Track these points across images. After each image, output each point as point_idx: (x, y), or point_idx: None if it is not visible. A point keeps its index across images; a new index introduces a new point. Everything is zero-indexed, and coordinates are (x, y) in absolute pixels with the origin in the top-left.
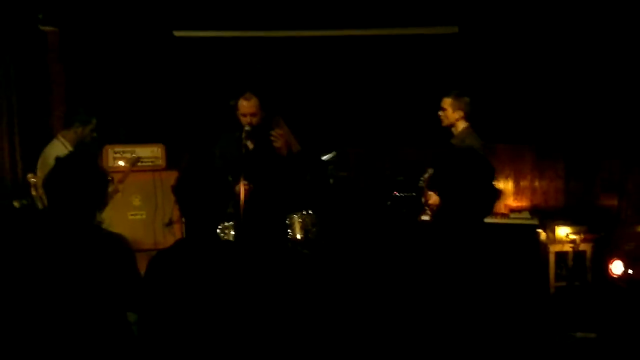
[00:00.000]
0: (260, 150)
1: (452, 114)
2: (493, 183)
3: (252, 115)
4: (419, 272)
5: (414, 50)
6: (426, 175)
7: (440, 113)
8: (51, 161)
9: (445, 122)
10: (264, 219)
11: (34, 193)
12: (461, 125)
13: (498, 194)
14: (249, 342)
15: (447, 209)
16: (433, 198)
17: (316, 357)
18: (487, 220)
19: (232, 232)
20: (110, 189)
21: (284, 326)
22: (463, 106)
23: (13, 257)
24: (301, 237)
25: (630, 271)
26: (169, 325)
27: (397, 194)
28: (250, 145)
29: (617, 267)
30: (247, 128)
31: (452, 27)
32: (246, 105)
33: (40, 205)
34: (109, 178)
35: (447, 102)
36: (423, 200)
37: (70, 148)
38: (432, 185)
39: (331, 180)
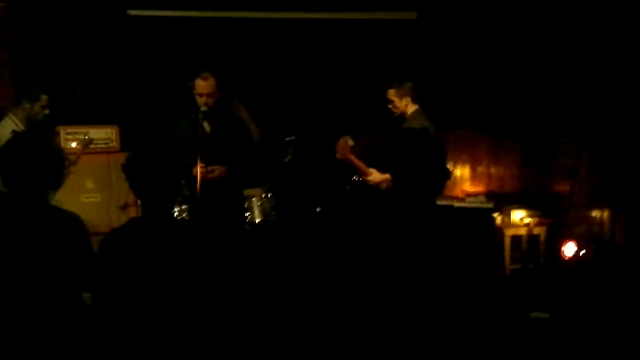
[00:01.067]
0: (216, 132)
1: (399, 102)
2: (444, 162)
3: (209, 95)
4: (374, 252)
5: (373, 35)
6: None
7: (390, 106)
8: (3, 138)
9: (397, 112)
10: (219, 200)
11: None
12: (410, 109)
13: (449, 173)
14: (200, 320)
15: (399, 188)
16: (373, 175)
17: (268, 336)
18: (443, 202)
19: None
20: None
21: (236, 305)
22: (408, 91)
23: None
24: (260, 220)
25: (581, 253)
26: (122, 304)
27: (356, 178)
28: (207, 127)
29: (569, 249)
30: (203, 109)
31: (411, 12)
32: (203, 85)
33: None
34: (67, 158)
35: (391, 94)
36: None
37: (21, 126)
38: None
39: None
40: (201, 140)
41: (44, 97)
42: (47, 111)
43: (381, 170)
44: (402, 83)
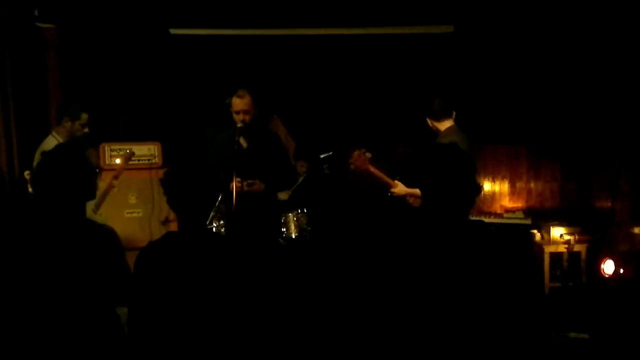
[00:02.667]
0: (252, 148)
1: (432, 124)
2: (474, 178)
3: (245, 112)
4: (410, 270)
5: (410, 49)
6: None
7: (430, 126)
8: None
9: (434, 130)
10: (255, 216)
11: (30, 189)
12: (444, 126)
13: (478, 188)
14: (237, 335)
15: (428, 204)
16: (399, 188)
17: (304, 352)
18: (478, 218)
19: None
20: (101, 183)
21: (273, 321)
22: (437, 112)
23: (3, 248)
24: (296, 236)
25: (621, 270)
26: (158, 318)
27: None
28: (243, 142)
29: (608, 267)
30: (239, 125)
31: (448, 26)
32: (239, 103)
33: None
34: (97, 169)
35: (428, 122)
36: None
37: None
38: (413, 181)
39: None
40: (237, 156)
41: (84, 116)
42: (86, 129)
43: (409, 184)
44: (431, 107)
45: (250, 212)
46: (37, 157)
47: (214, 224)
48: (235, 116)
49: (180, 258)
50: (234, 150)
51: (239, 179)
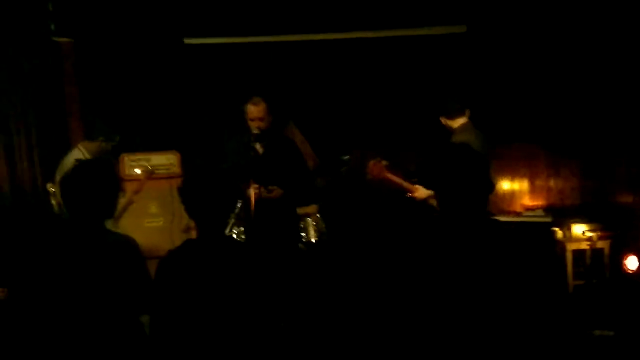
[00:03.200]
0: (269, 155)
1: (445, 122)
2: (486, 176)
3: (260, 119)
4: (430, 269)
5: (424, 50)
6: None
7: (444, 124)
8: (69, 166)
9: (449, 129)
10: (274, 221)
11: (53, 202)
12: (457, 123)
13: (491, 187)
14: (258, 342)
15: (443, 204)
16: (419, 191)
17: (326, 356)
18: (500, 218)
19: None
20: (123, 199)
21: (293, 326)
22: (448, 109)
23: (27, 261)
24: (315, 240)
25: None
26: (179, 326)
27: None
28: (259, 149)
29: (631, 263)
30: (255, 132)
31: (460, 26)
32: (254, 110)
33: (58, 212)
34: (121, 190)
35: (443, 120)
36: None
37: (88, 157)
38: (426, 182)
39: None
40: (254, 163)
41: (118, 138)
42: (110, 147)
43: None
44: (443, 105)
45: (269, 218)
46: (60, 168)
47: (234, 231)
48: (250, 123)
49: (199, 265)
50: (249, 157)
51: (256, 186)
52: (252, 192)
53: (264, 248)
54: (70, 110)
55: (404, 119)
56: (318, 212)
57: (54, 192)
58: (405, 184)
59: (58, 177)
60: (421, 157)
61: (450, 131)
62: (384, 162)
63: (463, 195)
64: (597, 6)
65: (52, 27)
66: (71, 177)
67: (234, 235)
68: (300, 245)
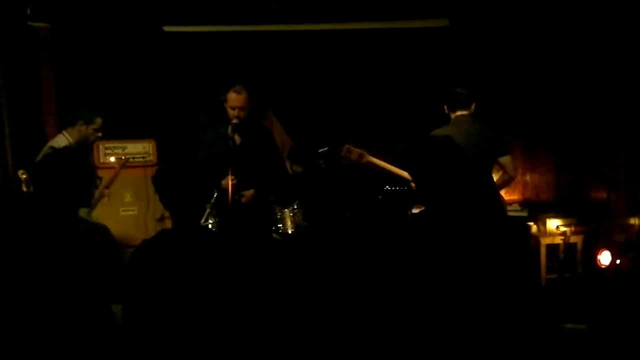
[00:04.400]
0: (246, 144)
1: (451, 113)
2: (462, 170)
3: (241, 108)
4: (408, 264)
5: (405, 43)
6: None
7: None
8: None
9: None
10: (248, 212)
11: (24, 189)
12: (457, 114)
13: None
14: (231, 332)
15: (421, 196)
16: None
17: (300, 349)
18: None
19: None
20: (97, 190)
21: (268, 317)
22: (446, 100)
23: None
24: (292, 231)
25: (617, 261)
26: (152, 316)
27: (388, 188)
28: (237, 139)
29: (605, 258)
30: (234, 121)
31: (442, 20)
32: (235, 98)
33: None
34: (97, 177)
35: (446, 109)
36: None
37: (73, 144)
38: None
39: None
40: (231, 153)
41: (98, 120)
42: (99, 134)
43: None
44: (448, 93)
45: (244, 209)
46: (43, 152)
47: (210, 221)
48: (230, 112)
49: (173, 255)
50: (228, 147)
51: (232, 176)
52: (229, 182)
53: (239, 238)
54: (46, 96)
55: (384, 111)
56: (297, 204)
57: (25, 179)
58: (395, 169)
59: None
60: (402, 149)
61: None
62: (356, 150)
63: (437, 188)
64: (577, 1)
65: (28, 11)
66: (43, 164)
67: (209, 226)
68: (276, 236)
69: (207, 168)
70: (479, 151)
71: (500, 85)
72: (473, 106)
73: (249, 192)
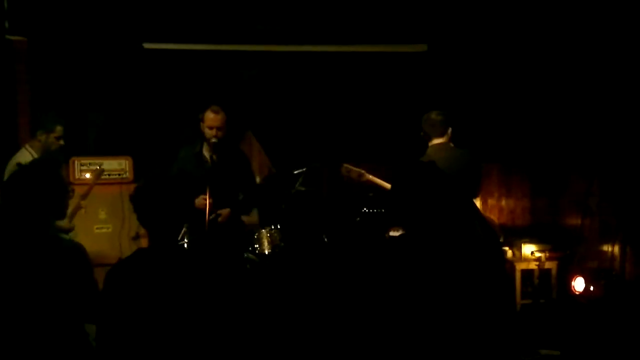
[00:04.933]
0: (222, 164)
1: (428, 141)
2: (441, 195)
3: (219, 128)
4: (385, 286)
5: (384, 67)
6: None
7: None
8: (12, 168)
9: None
10: (224, 232)
11: None
12: (434, 142)
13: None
14: (207, 352)
15: (402, 222)
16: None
17: None
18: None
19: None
20: (71, 203)
21: (243, 337)
22: (424, 126)
23: None
24: (269, 252)
25: (591, 288)
26: (127, 336)
27: (366, 210)
28: (213, 159)
29: (579, 284)
30: (213, 140)
31: (421, 45)
32: (213, 118)
33: None
34: (70, 189)
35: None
36: None
37: (37, 157)
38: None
39: (293, 191)
40: (208, 172)
41: (59, 129)
42: (61, 142)
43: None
44: (424, 120)
45: (219, 229)
46: (8, 170)
47: (186, 240)
48: (208, 131)
49: (150, 275)
50: (202, 166)
51: (205, 196)
52: (207, 202)
53: (215, 258)
54: (21, 110)
55: (362, 133)
56: (274, 225)
57: None
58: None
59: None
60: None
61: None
62: (354, 169)
63: (421, 213)
64: (550, 27)
65: (6, 24)
66: (11, 181)
67: (185, 245)
68: (251, 256)
69: (185, 186)
70: (459, 177)
71: (477, 110)
72: (449, 131)
73: (225, 211)
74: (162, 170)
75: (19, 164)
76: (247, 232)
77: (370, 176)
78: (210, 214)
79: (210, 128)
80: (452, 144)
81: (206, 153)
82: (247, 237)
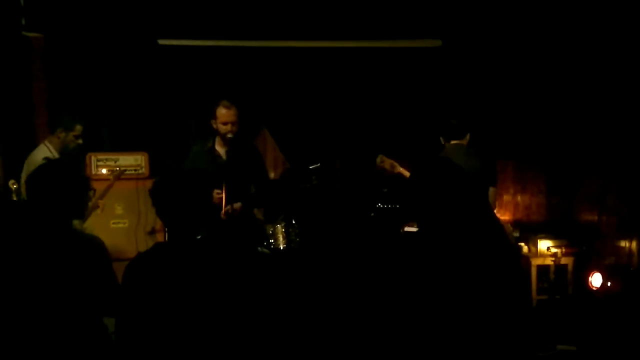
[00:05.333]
0: (237, 160)
1: (446, 143)
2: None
3: (232, 123)
4: (400, 283)
5: (399, 62)
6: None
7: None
8: (37, 164)
9: None
10: (237, 227)
11: (14, 199)
12: (452, 143)
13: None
14: (226, 346)
15: (418, 218)
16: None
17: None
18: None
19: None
20: (90, 202)
21: (262, 331)
22: (441, 130)
23: None
24: (284, 247)
25: (608, 283)
26: (146, 330)
27: (380, 205)
28: (225, 155)
29: (596, 280)
30: (229, 136)
31: (435, 40)
32: (226, 114)
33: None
34: (91, 189)
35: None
36: None
37: (55, 153)
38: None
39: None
40: (222, 168)
41: (78, 127)
42: (80, 141)
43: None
44: (443, 124)
45: (233, 223)
46: (28, 165)
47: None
48: (222, 127)
49: (169, 269)
50: (219, 162)
51: (219, 191)
52: (223, 196)
53: (233, 252)
54: (38, 106)
55: (377, 128)
56: (287, 220)
57: (16, 188)
58: None
59: (24, 175)
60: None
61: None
62: (388, 161)
63: (438, 209)
64: (565, 22)
65: (23, 21)
66: (37, 176)
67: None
68: (264, 250)
69: (202, 181)
70: (474, 177)
71: (492, 106)
72: (468, 136)
73: (237, 205)
74: (178, 165)
75: (46, 158)
76: (260, 226)
77: (402, 169)
78: (224, 208)
79: (225, 124)
80: (469, 148)
81: (219, 148)
82: (260, 232)
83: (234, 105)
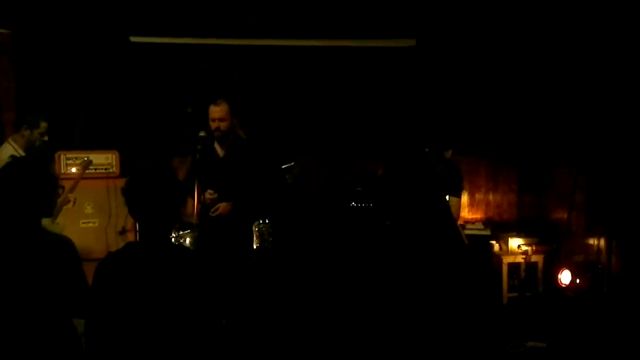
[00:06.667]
0: (233, 160)
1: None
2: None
3: (221, 120)
4: (372, 278)
5: (373, 61)
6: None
7: None
8: (1, 163)
9: None
10: (226, 227)
11: None
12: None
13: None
14: (196, 347)
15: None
16: None
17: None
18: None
19: (188, 240)
20: (60, 198)
21: (232, 331)
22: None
23: None
24: (257, 246)
25: (577, 281)
26: (116, 330)
27: (354, 204)
28: (220, 151)
29: (565, 277)
30: (217, 133)
31: (410, 40)
32: (212, 110)
33: None
34: (59, 185)
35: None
36: None
37: (21, 151)
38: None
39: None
40: (216, 166)
41: (43, 125)
42: (45, 138)
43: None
44: (429, 138)
45: (220, 224)
46: None
47: (173, 234)
48: (211, 123)
49: (140, 269)
50: (215, 160)
51: (211, 191)
52: (207, 196)
53: (206, 253)
54: (6, 103)
55: (350, 128)
56: (263, 220)
57: None
58: None
59: None
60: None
61: None
62: None
63: (401, 208)
64: (536, 22)
65: None
66: (2, 174)
67: (172, 239)
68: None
69: (176, 180)
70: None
71: (466, 104)
72: (450, 153)
73: (223, 205)
74: (150, 164)
75: (12, 156)
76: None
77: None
78: (209, 208)
79: (213, 120)
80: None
81: (217, 147)
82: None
83: (224, 102)
